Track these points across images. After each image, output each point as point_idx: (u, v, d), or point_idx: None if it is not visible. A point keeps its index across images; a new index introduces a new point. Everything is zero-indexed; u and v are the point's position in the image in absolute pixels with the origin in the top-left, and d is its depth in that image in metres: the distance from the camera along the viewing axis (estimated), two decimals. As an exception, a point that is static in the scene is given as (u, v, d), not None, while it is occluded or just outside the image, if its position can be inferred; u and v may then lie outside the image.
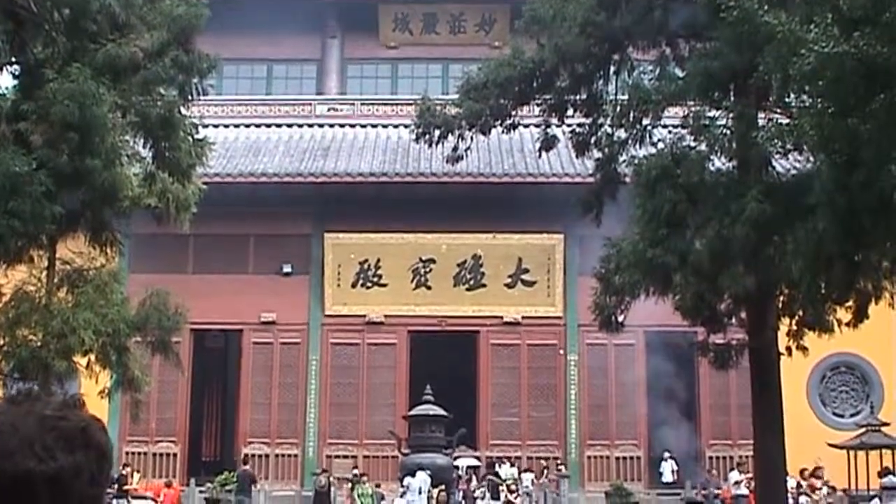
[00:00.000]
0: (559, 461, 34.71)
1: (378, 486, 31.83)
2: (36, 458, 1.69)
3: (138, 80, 18.12)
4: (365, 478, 31.59)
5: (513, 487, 31.09)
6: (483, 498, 31.16)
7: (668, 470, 34.55)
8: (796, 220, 15.28)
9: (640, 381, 35.24)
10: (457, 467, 31.44)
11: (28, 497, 1.68)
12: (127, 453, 33.71)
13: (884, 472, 28.16)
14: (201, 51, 18.81)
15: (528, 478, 33.04)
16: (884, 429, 30.96)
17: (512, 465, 33.95)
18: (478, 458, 34.33)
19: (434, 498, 28.00)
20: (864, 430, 31.14)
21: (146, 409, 27.01)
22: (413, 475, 28.82)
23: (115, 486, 28.70)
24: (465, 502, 30.42)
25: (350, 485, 32.17)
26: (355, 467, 33.58)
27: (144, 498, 30.91)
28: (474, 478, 32.29)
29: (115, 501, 27.60)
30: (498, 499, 30.05)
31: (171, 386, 33.38)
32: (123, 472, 30.53)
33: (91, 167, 17.14)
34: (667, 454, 34.85)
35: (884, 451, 30.43)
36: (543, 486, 32.71)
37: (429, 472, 28.53)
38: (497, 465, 33.75)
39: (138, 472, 33.60)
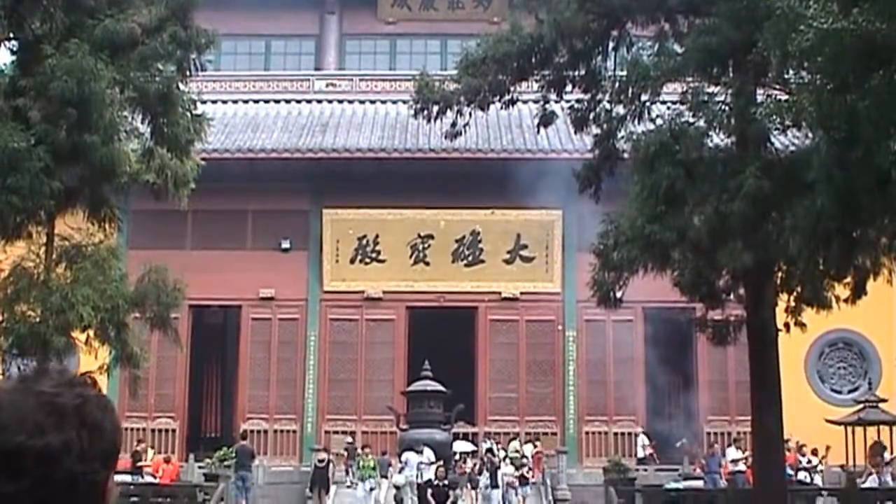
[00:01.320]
0: (538, 438, 34.60)
1: (384, 453, 31.69)
2: (26, 433, 1.74)
3: (136, 56, 18.10)
4: (367, 449, 31.58)
5: (523, 462, 31.08)
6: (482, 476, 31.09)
7: (639, 445, 34.52)
8: (795, 197, 15.29)
9: (638, 357, 35.28)
10: (454, 452, 31.37)
11: (17, 471, 1.73)
12: (126, 429, 33.72)
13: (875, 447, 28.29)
14: (199, 26, 18.80)
15: (528, 450, 32.97)
16: (881, 405, 31.03)
17: (512, 439, 33.95)
18: (475, 443, 34.18)
19: (433, 473, 28.08)
20: (861, 406, 31.20)
21: (145, 384, 27.12)
22: (411, 450, 28.90)
23: (130, 462, 28.88)
24: (469, 485, 30.28)
25: (346, 455, 32.22)
26: (351, 439, 33.65)
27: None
28: (470, 461, 32.11)
29: (129, 477, 27.70)
30: (497, 486, 29.73)
31: (170, 362, 33.40)
32: (137, 449, 30.70)
33: (89, 143, 17.13)
34: (639, 429, 34.88)
35: (881, 427, 30.52)
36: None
37: (430, 447, 28.65)
38: (499, 448, 33.55)
39: (153, 448, 33.59)
